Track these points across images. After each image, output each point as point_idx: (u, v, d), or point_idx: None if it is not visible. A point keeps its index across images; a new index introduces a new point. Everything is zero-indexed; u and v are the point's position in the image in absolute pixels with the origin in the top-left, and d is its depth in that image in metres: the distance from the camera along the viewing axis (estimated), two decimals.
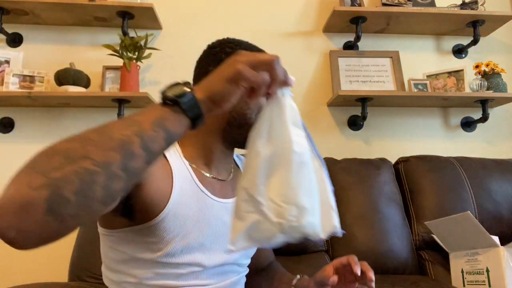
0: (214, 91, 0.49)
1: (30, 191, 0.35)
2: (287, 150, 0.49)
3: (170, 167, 0.67)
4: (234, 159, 0.84)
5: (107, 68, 1.61)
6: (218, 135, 0.73)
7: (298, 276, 0.82)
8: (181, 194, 0.66)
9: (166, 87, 0.50)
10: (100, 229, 0.70)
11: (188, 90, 0.49)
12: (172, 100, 0.48)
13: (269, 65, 0.48)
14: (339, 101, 1.66)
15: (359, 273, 0.64)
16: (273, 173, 0.49)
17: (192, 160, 0.72)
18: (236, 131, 0.72)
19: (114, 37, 1.65)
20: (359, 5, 1.70)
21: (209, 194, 0.72)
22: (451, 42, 1.84)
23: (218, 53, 0.78)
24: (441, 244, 1.23)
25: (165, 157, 0.68)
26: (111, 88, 1.59)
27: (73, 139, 0.41)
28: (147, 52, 1.58)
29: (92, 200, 0.38)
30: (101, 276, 1.12)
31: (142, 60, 1.57)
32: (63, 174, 0.36)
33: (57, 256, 1.52)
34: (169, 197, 0.64)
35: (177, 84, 0.50)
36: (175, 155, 0.70)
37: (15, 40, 1.64)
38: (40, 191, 0.35)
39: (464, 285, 1.11)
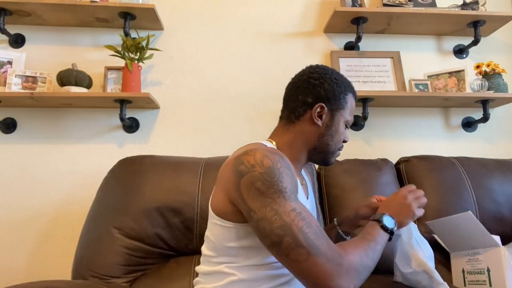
0: (400, 227, 0.88)
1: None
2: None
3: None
4: None
5: (109, 68, 1.62)
6: (305, 154, 0.93)
7: (336, 220, 1.07)
8: (299, 198, 0.82)
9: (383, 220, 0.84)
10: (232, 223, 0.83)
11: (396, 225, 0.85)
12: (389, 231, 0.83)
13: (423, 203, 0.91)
14: None
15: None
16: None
17: None
18: (317, 155, 0.94)
19: (115, 38, 1.66)
20: (360, 5, 1.70)
21: (304, 196, 0.92)
22: (452, 42, 1.84)
23: (317, 87, 0.91)
24: (442, 244, 1.23)
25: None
26: (113, 88, 1.60)
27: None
28: (148, 52, 1.58)
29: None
30: (104, 275, 1.13)
31: (144, 61, 1.57)
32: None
33: (60, 256, 1.53)
34: None
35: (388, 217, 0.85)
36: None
37: (17, 41, 1.64)
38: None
39: (465, 285, 1.11)
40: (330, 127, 0.91)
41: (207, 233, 0.91)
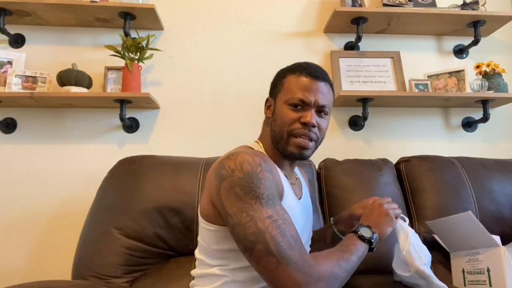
0: (383, 235, 0.87)
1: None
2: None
3: (278, 171, 0.86)
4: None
5: (109, 68, 1.61)
6: (275, 150, 0.91)
7: (332, 219, 1.07)
8: (287, 198, 0.84)
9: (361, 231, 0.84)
10: (213, 226, 0.84)
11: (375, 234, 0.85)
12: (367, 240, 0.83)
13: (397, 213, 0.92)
14: (340, 102, 1.66)
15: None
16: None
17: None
18: (278, 146, 0.89)
19: (116, 38, 1.66)
20: (360, 5, 1.70)
21: (295, 196, 0.90)
22: (452, 42, 1.84)
23: (276, 81, 0.94)
24: (442, 244, 1.23)
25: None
26: (113, 88, 1.60)
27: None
28: (148, 52, 1.58)
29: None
30: (104, 275, 1.13)
31: (144, 61, 1.57)
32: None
33: (60, 256, 1.53)
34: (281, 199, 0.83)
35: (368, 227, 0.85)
36: (273, 162, 0.86)
37: (17, 41, 1.64)
38: None
39: (465, 285, 1.11)
40: (274, 113, 0.91)
41: (198, 237, 0.92)
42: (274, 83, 0.95)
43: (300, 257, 0.70)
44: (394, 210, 0.92)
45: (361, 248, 0.81)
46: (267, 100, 0.96)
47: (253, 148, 0.91)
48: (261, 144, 0.94)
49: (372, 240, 0.83)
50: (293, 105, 0.86)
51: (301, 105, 0.86)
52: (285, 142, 0.87)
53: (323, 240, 1.07)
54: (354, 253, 0.79)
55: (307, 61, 0.95)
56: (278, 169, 0.88)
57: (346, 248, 0.80)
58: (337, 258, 0.76)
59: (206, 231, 0.86)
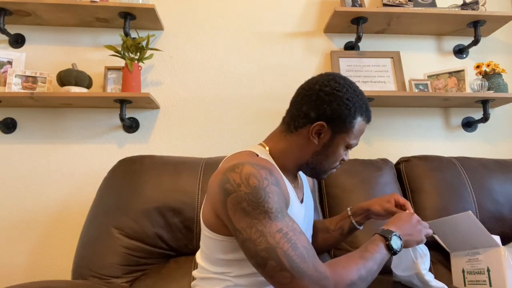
0: (408, 245, 0.86)
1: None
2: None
3: (284, 180, 0.84)
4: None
5: (109, 68, 1.62)
6: (296, 166, 0.91)
7: (349, 209, 1.05)
8: (292, 205, 0.83)
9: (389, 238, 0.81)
10: (218, 236, 0.83)
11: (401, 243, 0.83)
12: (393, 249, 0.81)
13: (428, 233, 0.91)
14: None
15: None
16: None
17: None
18: (309, 170, 0.91)
19: (116, 38, 1.66)
20: (360, 5, 1.70)
21: (298, 200, 0.89)
22: (452, 42, 1.84)
23: (325, 103, 0.83)
24: (442, 243, 1.23)
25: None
26: (113, 88, 1.60)
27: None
28: (148, 52, 1.58)
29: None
30: (104, 275, 1.13)
31: (144, 61, 1.57)
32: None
33: (60, 256, 1.53)
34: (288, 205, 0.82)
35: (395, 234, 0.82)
36: (278, 170, 0.85)
37: (17, 41, 1.64)
38: None
39: (465, 285, 1.11)
40: (327, 148, 0.85)
41: (201, 243, 0.91)
42: (340, 116, 0.82)
43: (314, 270, 0.69)
44: (426, 230, 0.90)
45: (385, 257, 0.79)
46: (320, 125, 0.82)
47: (257, 154, 0.86)
48: (266, 148, 0.90)
49: (398, 251, 0.81)
50: (348, 148, 0.88)
51: None
52: (323, 173, 0.90)
53: (340, 230, 1.06)
54: (377, 261, 0.76)
55: (366, 97, 0.89)
56: (283, 176, 0.86)
57: (370, 255, 0.77)
58: (358, 266, 0.73)
59: (209, 240, 0.85)
